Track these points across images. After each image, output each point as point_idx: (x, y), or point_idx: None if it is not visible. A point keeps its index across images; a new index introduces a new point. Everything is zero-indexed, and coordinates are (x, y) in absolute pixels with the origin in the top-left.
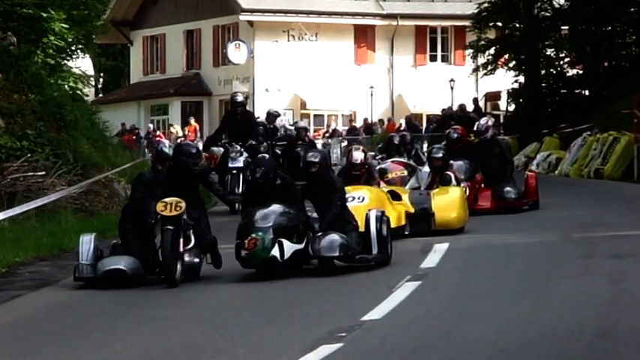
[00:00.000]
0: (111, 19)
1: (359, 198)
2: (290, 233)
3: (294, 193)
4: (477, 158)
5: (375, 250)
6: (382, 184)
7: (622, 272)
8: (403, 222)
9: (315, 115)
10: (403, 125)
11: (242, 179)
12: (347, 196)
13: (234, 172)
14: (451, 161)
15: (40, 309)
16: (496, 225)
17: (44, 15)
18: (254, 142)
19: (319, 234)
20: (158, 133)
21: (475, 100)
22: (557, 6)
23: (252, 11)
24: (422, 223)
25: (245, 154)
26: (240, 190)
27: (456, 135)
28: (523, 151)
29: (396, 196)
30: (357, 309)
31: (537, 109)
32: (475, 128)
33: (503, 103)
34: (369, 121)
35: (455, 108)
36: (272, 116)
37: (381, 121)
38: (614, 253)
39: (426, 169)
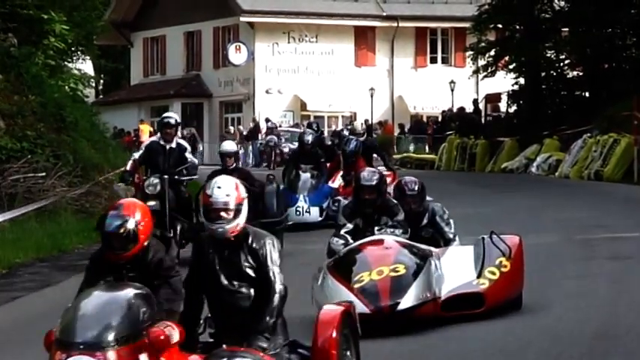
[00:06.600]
0: (111, 20)
1: None
2: None
3: None
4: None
5: None
6: None
7: (622, 274)
8: None
9: (315, 117)
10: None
11: None
12: None
13: None
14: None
15: (40, 310)
16: (494, 227)
17: (45, 16)
18: None
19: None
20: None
21: (475, 102)
22: (557, 8)
23: (252, 13)
24: None
25: None
26: None
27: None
28: (523, 152)
29: None
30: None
31: (537, 110)
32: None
33: (503, 105)
34: (370, 122)
35: (455, 110)
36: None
37: (380, 122)
38: (614, 254)
39: (459, 248)
